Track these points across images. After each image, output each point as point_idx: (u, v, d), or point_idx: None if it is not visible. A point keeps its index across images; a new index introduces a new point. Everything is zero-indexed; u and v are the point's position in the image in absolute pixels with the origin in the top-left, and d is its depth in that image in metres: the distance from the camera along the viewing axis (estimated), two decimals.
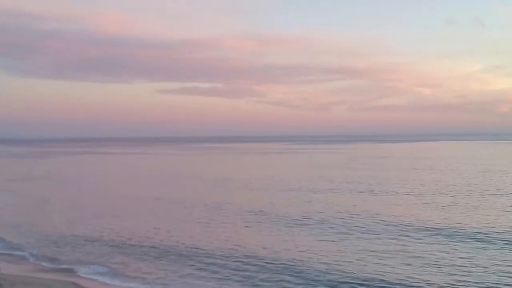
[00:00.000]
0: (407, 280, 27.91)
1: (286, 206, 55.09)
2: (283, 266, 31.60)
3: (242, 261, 33.19)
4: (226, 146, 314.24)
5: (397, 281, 27.81)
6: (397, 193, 64.21)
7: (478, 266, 30.13)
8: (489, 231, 38.98)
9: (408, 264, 31.04)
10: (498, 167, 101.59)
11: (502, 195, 60.31)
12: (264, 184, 78.18)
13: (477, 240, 36.67)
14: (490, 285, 26.81)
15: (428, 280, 27.73)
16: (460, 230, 39.72)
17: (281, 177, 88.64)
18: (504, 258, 31.82)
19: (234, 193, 68.79)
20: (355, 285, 27.65)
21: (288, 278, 29.50)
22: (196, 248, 36.83)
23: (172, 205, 58.35)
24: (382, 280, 28.08)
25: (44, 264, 34.73)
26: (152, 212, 53.54)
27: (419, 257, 32.56)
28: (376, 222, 43.80)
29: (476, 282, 27.20)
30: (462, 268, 29.95)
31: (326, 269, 30.68)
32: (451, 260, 31.68)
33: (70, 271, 32.67)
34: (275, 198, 61.93)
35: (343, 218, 46.25)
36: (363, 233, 40.19)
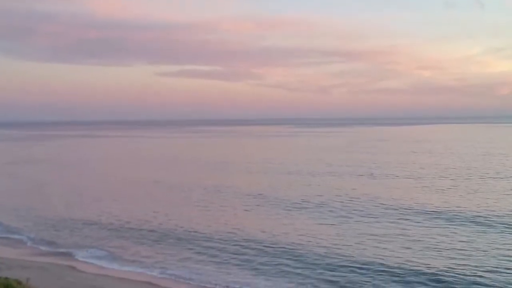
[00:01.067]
0: (406, 264, 27.76)
1: (285, 189, 54.93)
2: (282, 250, 31.46)
3: (241, 245, 33.05)
4: (225, 129, 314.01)
5: (396, 265, 27.66)
6: (397, 176, 64.04)
7: (478, 250, 29.98)
8: (489, 215, 38.83)
9: (408, 248, 30.90)
10: (498, 150, 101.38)
11: (502, 178, 60.13)
12: (263, 167, 78.00)
13: (477, 223, 36.52)
14: (490, 268, 26.66)
15: (428, 264, 27.58)
16: (459, 214, 39.57)
17: (280, 160, 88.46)
18: (504, 242, 31.67)
19: (233, 176, 68.63)
20: (354, 269, 27.50)
21: (287, 261, 29.35)
22: (195, 232, 36.67)
23: (171, 189, 58.20)
24: (381, 264, 27.94)
25: (42, 247, 34.60)
26: (150, 196, 53.40)
27: (418, 240, 32.41)
28: (376, 206, 43.64)
29: (476, 266, 27.05)
30: (462, 251, 29.80)
31: (325, 252, 30.54)
32: (450, 243, 31.54)
33: (68, 255, 32.55)
34: (274, 181, 61.77)
35: (342, 202, 46.09)
36: (362, 216, 40.04)
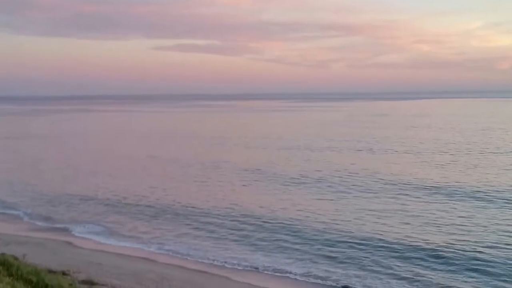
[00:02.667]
0: (405, 240, 27.57)
1: (283, 164, 54.69)
2: (280, 225, 31.25)
3: (239, 220, 32.84)
4: (223, 103, 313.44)
5: (395, 240, 27.47)
6: (396, 151, 63.78)
7: (478, 225, 29.77)
8: (488, 190, 38.60)
9: (407, 223, 30.70)
10: (498, 125, 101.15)
11: (502, 153, 59.91)
12: (261, 142, 77.69)
13: (477, 199, 36.30)
14: (489, 244, 26.46)
15: (427, 240, 27.39)
16: (459, 189, 39.34)
17: (279, 135, 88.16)
18: (504, 217, 31.47)
19: (231, 151, 68.35)
20: (353, 244, 27.30)
21: (285, 237, 29.16)
22: (193, 207, 36.45)
23: (168, 164, 57.92)
24: (380, 240, 27.74)
25: (39, 223, 34.37)
26: (148, 171, 53.14)
27: (418, 216, 32.20)
28: (375, 181, 43.40)
29: (475, 242, 26.84)
30: (461, 227, 29.60)
31: (323, 228, 30.33)
32: (450, 219, 31.33)
33: (65, 230, 32.34)
34: (272, 156, 61.50)
35: (341, 177, 45.85)
36: (361, 192, 39.81)
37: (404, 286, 22.30)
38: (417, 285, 22.27)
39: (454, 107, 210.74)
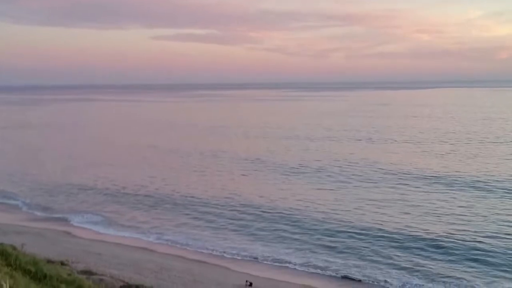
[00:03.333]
0: (405, 229, 27.52)
1: (283, 154, 54.58)
2: (279, 215, 31.19)
3: (238, 210, 32.77)
4: (222, 93, 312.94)
5: (395, 230, 27.42)
6: (396, 141, 63.66)
7: (478, 215, 29.71)
8: (488, 180, 38.50)
9: (407, 213, 30.63)
10: (498, 115, 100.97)
11: (501, 143, 59.79)
12: (261, 132, 77.53)
13: (477, 188, 36.21)
14: (489, 234, 26.41)
15: (427, 229, 27.33)
16: (459, 179, 39.23)
17: (278, 125, 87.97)
18: (504, 207, 31.40)
19: (230, 141, 68.19)
20: (353, 234, 27.25)
21: (285, 227, 29.09)
22: (192, 197, 36.37)
23: (167, 154, 57.79)
24: (380, 229, 27.69)
25: (37, 213, 34.29)
26: (146, 161, 53.00)
27: (417, 206, 32.14)
28: (374, 171, 43.30)
29: (475, 232, 26.80)
30: (461, 217, 29.54)
31: (323, 218, 30.26)
32: (450, 209, 31.26)
33: (64, 220, 32.26)
34: (272, 146, 61.36)
35: (341, 167, 45.73)
36: (361, 181, 39.72)
37: (403, 276, 22.26)
38: (416, 275, 22.24)
39: (453, 96, 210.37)
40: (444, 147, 56.98)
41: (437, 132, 72.35)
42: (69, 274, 15.66)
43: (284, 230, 28.54)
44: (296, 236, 27.53)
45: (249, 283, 20.85)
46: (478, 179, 38.86)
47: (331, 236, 27.21)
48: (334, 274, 22.77)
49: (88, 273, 19.13)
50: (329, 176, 42.15)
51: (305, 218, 30.30)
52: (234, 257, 25.28)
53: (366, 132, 73.95)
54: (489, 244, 25.05)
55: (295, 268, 23.61)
